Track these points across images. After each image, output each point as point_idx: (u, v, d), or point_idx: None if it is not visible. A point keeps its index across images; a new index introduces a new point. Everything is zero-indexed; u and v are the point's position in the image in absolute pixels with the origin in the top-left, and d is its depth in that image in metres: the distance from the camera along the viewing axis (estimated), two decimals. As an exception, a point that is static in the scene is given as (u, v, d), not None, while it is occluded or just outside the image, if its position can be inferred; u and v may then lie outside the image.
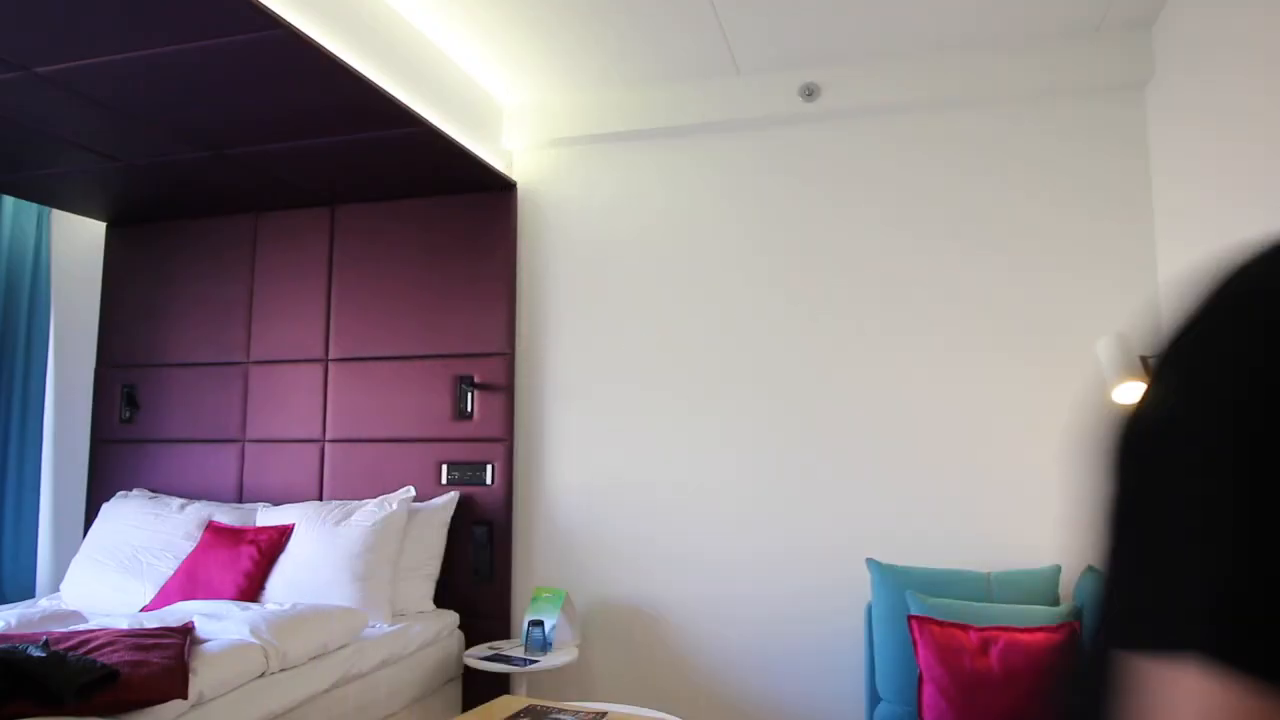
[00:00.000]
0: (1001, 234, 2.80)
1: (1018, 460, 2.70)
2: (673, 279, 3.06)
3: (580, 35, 2.72)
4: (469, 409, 3.12)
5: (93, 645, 2.01)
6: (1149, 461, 0.35)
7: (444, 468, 3.13)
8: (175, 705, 1.90)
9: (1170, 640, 0.32)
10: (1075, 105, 2.76)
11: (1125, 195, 2.70)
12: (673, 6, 2.55)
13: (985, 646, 2.15)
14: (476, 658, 2.72)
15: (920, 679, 2.26)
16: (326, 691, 2.33)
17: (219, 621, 2.32)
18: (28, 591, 3.21)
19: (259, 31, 2.03)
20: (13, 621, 2.45)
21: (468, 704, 2.94)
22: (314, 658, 2.34)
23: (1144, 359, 2.30)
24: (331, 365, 3.31)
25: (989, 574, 2.50)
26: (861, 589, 2.65)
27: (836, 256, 2.95)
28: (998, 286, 2.78)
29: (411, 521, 2.95)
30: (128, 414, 3.50)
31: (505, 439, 3.09)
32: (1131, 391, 2.32)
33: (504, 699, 2.36)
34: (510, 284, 3.16)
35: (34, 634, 2.21)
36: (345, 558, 2.77)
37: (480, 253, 3.19)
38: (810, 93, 2.93)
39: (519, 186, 3.24)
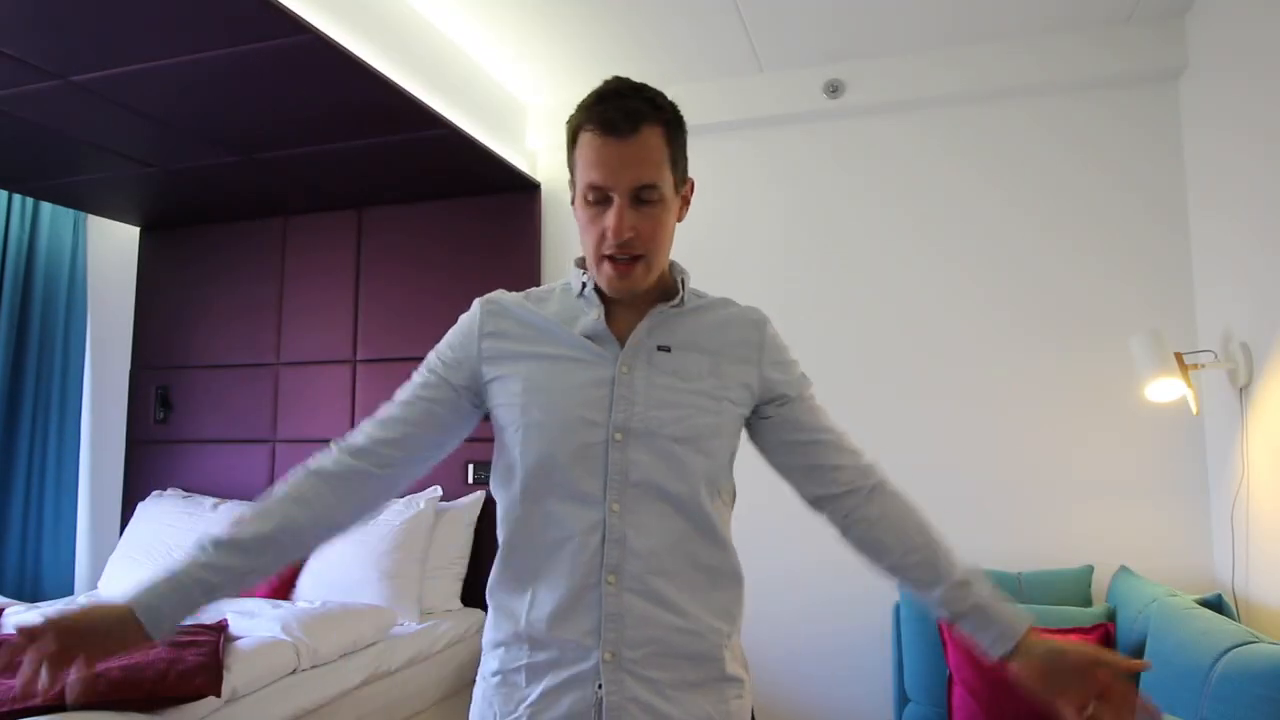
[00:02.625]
0: (1032, 230, 2.75)
1: (1048, 459, 2.66)
2: (696, 276, 3.05)
3: (602, 34, 2.72)
4: (495, 409, 3.13)
5: (129, 642, 2.05)
6: None
7: (470, 467, 3.15)
8: (209, 702, 1.93)
9: None
10: (1107, 97, 2.72)
11: (1158, 189, 2.65)
12: (695, 4, 2.54)
13: (1016, 648, 2.12)
14: (504, 656, 2.73)
15: (950, 680, 2.23)
16: (356, 689, 2.35)
17: (251, 619, 2.35)
18: (66, 589, 3.28)
19: (288, 37, 2.06)
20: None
21: (495, 702, 2.95)
22: (344, 655, 2.37)
23: (1178, 355, 2.26)
24: (359, 366, 3.35)
25: (1020, 574, 2.46)
26: (889, 589, 2.63)
27: (862, 254, 2.92)
28: (1028, 282, 2.74)
29: (439, 521, 2.98)
30: (162, 415, 3.56)
31: (531, 438, 3.10)
32: (1164, 388, 2.28)
33: (531, 697, 2.36)
34: (535, 283, 3.17)
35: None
36: (374, 556, 2.79)
37: (505, 253, 3.21)
38: (835, 89, 2.91)
39: (543, 187, 3.25)
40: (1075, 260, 2.70)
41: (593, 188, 1.03)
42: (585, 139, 1.03)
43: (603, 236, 1.03)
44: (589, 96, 1.06)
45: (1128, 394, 2.52)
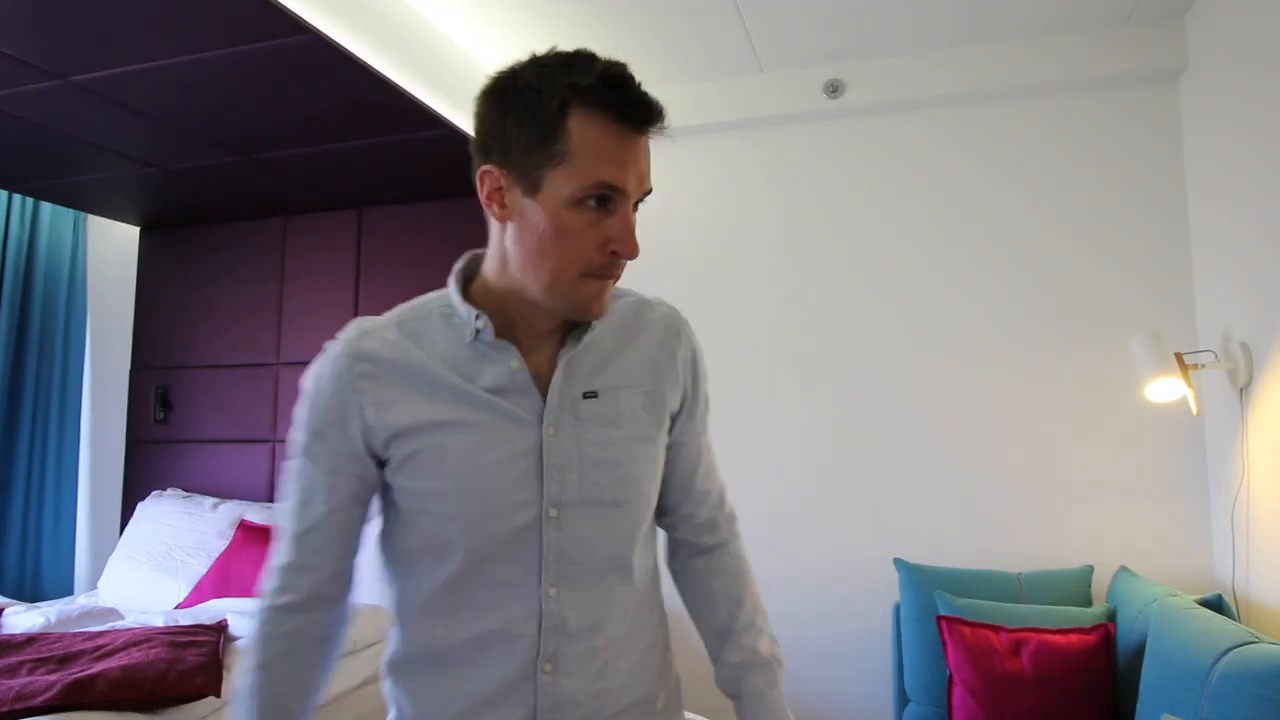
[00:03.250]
0: (1032, 230, 2.76)
1: (1048, 459, 2.66)
2: (695, 277, 3.05)
3: (603, 34, 2.72)
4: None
5: (129, 642, 2.05)
6: None
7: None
8: (209, 702, 1.93)
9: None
10: (1107, 97, 2.72)
11: (1158, 189, 2.65)
12: (695, 4, 2.54)
13: (1017, 648, 2.12)
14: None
15: (950, 680, 2.23)
16: (356, 689, 2.35)
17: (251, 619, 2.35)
18: (66, 589, 3.28)
19: (288, 37, 2.06)
20: (52, 618, 2.50)
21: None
22: (344, 655, 2.36)
23: (1178, 355, 2.26)
24: (359, 366, 3.34)
25: (1019, 574, 2.46)
26: (889, 589, 2.63)
27: (862, 254, 2.92)
28: (1028, 282, 2.74)
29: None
30: (162, 415, 3.56)
31: (531, 439, 3.10)
32: (1164, 388, 2.28)
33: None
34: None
35: (72, 632, 2.26)
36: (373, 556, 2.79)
37: (505, 253, 3.21)
38: (835, 89, 2.91)
39: (543, 187, 3.25)
40: (1075, 260, 2.70)
41: (605, 186, 0.82)
42: (598, 126, 0.82)
43: (601, 247, 0.84)
44: (588, 72, 0.83)
45: (1128, 394, 2.52)
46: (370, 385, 0.89)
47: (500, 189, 0.87)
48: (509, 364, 0.91)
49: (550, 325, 0.93)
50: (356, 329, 0.93)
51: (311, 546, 0.92)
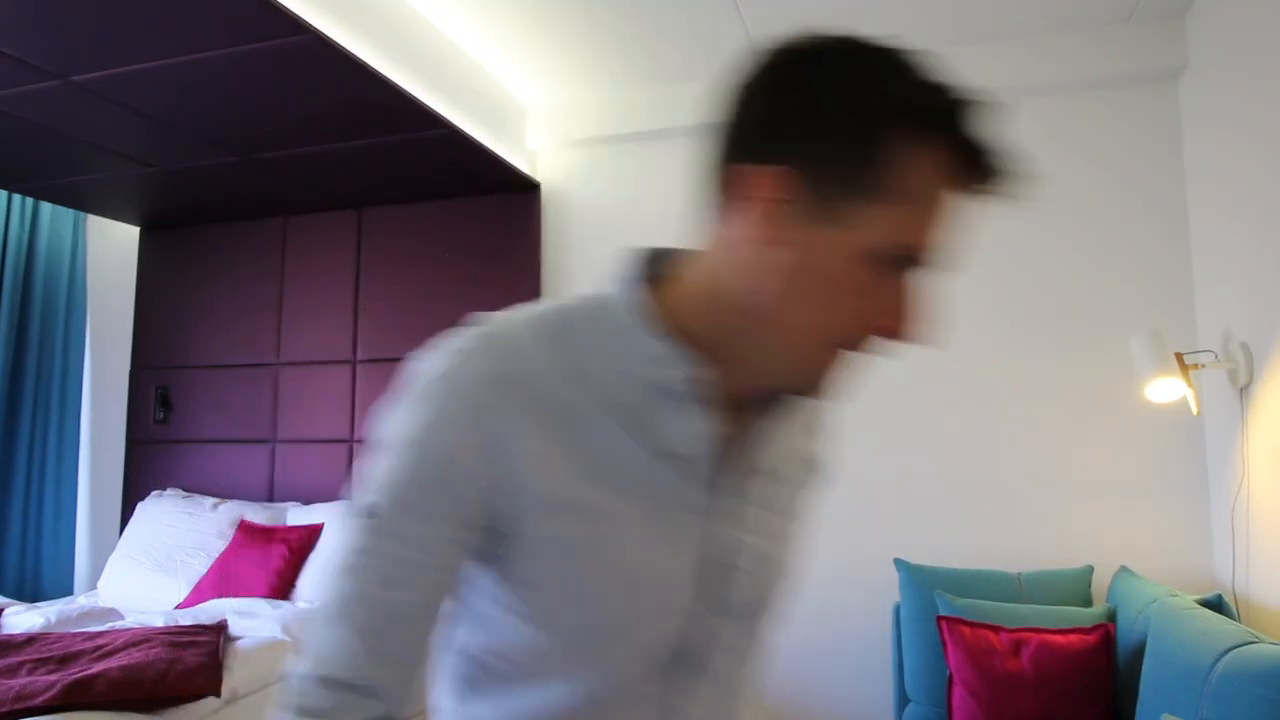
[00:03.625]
0: (1031, 230, 2.75)
1: (1048, 459, 2.66)
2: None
3: (602, 35, 2.72)
4: (495, 409, 3.13)
5: (129, 642, 2.05)
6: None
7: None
8: (209, 702, 1.93)
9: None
10: (1107, 97, 2.71)
11: (1158, 189, 2.65)
12: (695, 4, 2.54)
13: (1017, 648, 2.12)
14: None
15: (950, 680, 2.23)
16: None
17: (251, 619, 2.35)
18: (66, 589, 3.28)
19: (288, 37, 2.06)
20: (52, 618, 2.50)
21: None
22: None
23: (1178, 355, 2.26)
24: (359, 366, 3.35)
25: (1019, 574, 2.46)
26: (889, 589, 2.63)
27: (862, 254, 2.92)
28: (1028, 282, 2.74)
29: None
30: (162, 415, 3.56)
31: (531, 439, 3.10)
32: (1164, 388, 2.27)
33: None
34: (535, 284, 3.17)
35: (73, 632, 2.26)
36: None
37: (505, 253, 3.21)
38: (835, 89, 2.91)
39: (543, 187, 3.25)
40: (1075, 260, 2.70)
41: (915, 249, 0.62)
42: (941, 174, 0.62)
43: (875, 318, 0.63)
44: (935, 93, 0.63)
45: (1128, 394, 2.52)
46: (514, 421, 0.62)
47: (785, 201, 0.60)
48: (696, 426, 0.66)
49: (747, 389, 0.69)
50: (494, 338, 0.65)
51: (391, 652, 0.63)
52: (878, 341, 0.64)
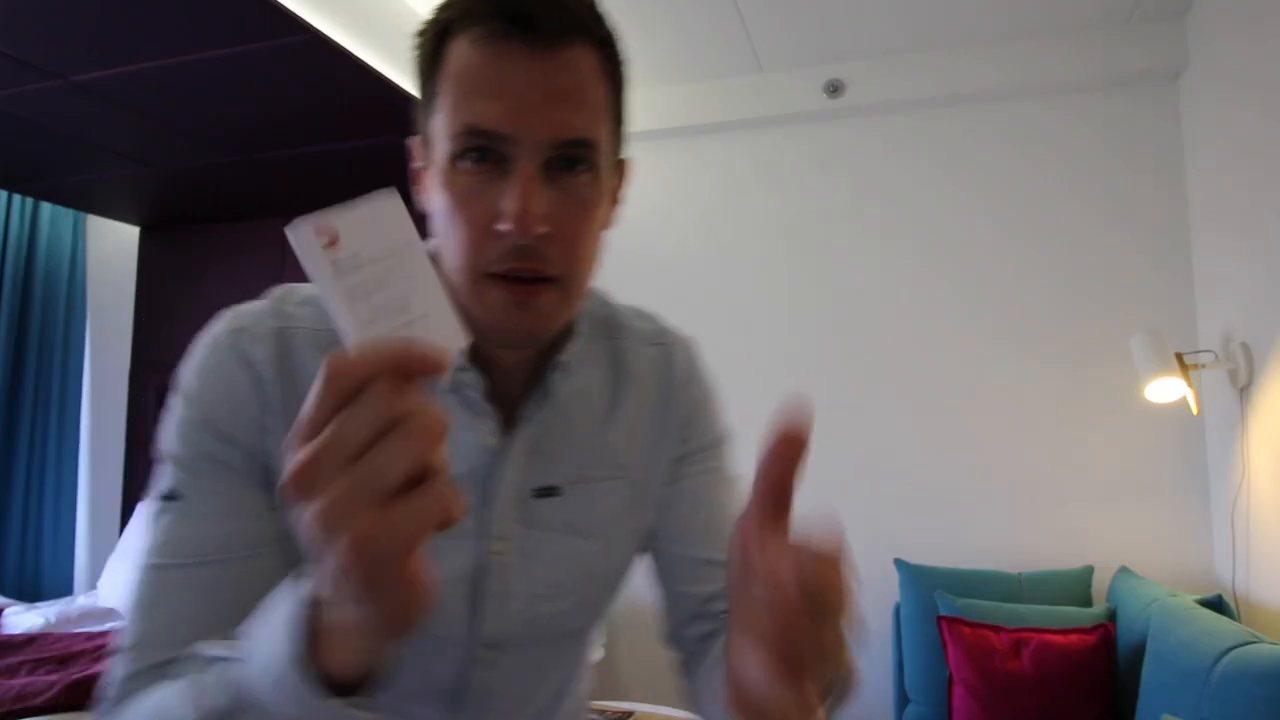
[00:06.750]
0: (1031, 230, 2.75)
1: (1048, 459, 2.66)
2: (697, 276, 3.05)
3: (603, 35, 2.72)
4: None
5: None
6: None
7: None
8: (209, 701, 1.93)
9: None
10: (1106, 98, 2.71)
11: (1159, 189, 2.65)
12: (695, 4, 2.54)
13: (1017, 648, 2.12)
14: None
15: (950, 680, 2.23)
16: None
17: (251, 619, 2.35)
18: (66, 589, 3.28)
19: (288, 37, 2.06)
20: (52, 618, 2.50)
21: (495, 702, 2.95)
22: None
23: (1178, 355, 2.26)
24: (359, 366, 3.34)
25: (1019, 574, 2.46)
26: (889, 589, 2.63)
27: (861, 254, 2.92)
28: (1028, 282, 2.74)
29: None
30: (162, 415, 3.56)
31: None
32: (1164, 388, 2.27)
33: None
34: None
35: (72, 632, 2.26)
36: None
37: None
38: (835, 89, 2.91)
39: (543, 187, 3.25)
40: (1075, 260, 2.70)
41: (475, 132, 0.56)
42: (464, 46, 0.57)
43: (486, 227, 0.56)
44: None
45: (1128, 394, 2.52)
46: (281, 394, 0.61)
47: (420, 166, 0.63)
48: (481, 439, 0.62)
49: (511, 360, 0.64)
50: (270, 312, 0.66)
51: (208, 612, 0.60)
52: (511, 249, 0.56)
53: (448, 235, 0.58)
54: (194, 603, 0.57)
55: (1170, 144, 2.65)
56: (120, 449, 3.61)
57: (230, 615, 0.53)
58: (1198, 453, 2.53)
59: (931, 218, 2.86)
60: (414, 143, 0.63)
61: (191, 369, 0.64)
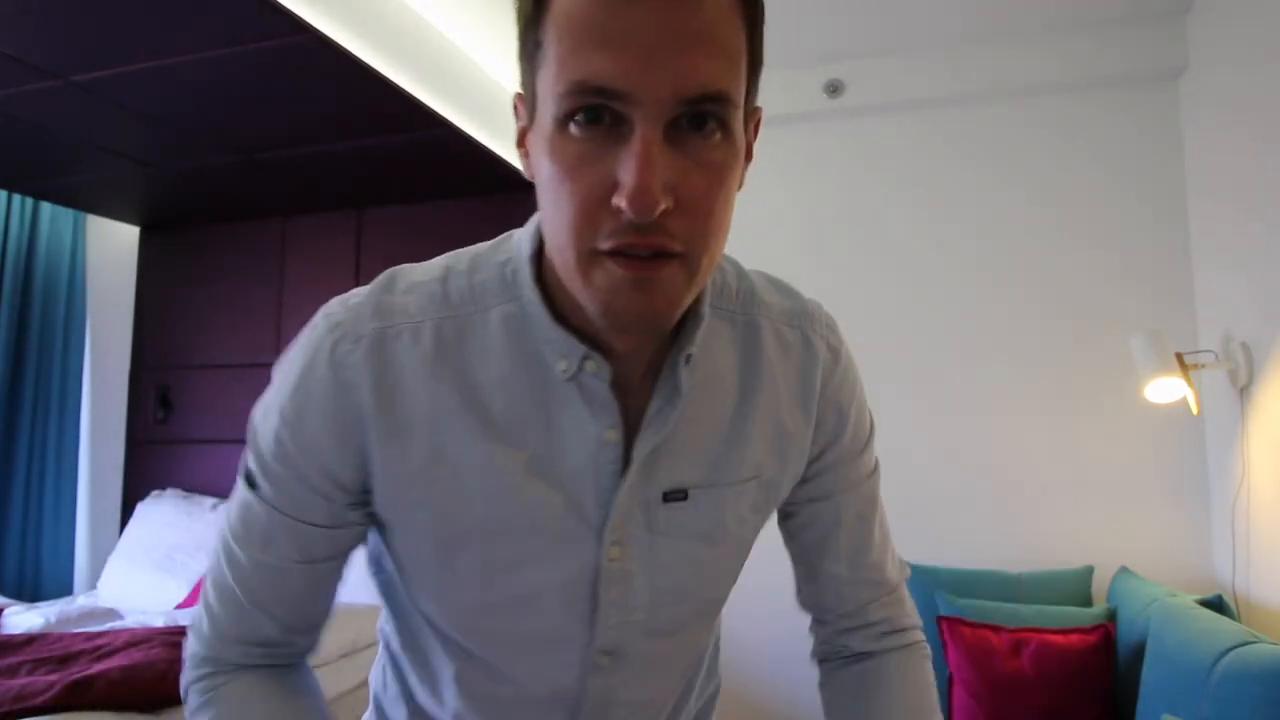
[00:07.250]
0: (1032, 229, 2.75)
1: (1048, 459, 2.66)
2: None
3: (603, 35, 2.72)
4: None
5: (129, 642, 2.05)
6: None
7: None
8: (209, 701, 1.93)
9: None
10: (1107, 97, 2.71)
11: (1158, 188, 2.65)
12: (696, 5, 2.54)
13: (1017, 648, 2.12)
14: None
15: (950, 681, 2.23)
16: (355, 689, 2.35)
17: (251, 619, 2.35)
18: (65, 589, 3.28)
19: (288, 37, 2.06)
20: (52, 618, 2.50)
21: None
22: (343, 655, 2.36)
23: (1178, 355, 2.26)
24: (359, 366, 3.34)
25: (1019, 574, 2.46)
26: (889, 589, 2.63)
27: (861, 254, 2.92)
28: (1028, 282, 2.74)
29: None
30: (161, 415, 3.56)
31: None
32: (1164, 388, 2.27)
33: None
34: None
35: (72, 632, 2.26)
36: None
37: (505, 253, 3.20)
38: (835, 89, 2.91)
39: (543, 187, 3.25)
40: (1075, 259, 2.70)
41: (587, 90, 0.48)
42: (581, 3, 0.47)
43: (600, 201, 0.49)
44: None
45: (1128, 394, 2.52)
46: (385, 405, 0.58)
47: (524, 125, 0.55)
48: (600, 433, 0.58)
49: (631, 345, 0.58)
50: (374, 312, 0.62)
51: (280, 614, 0.73)
52: (627, 225, 0.48)
53: (553, 210, 0.50)
54: (265, 590, 0.66)
55: (1170, 144, 2.65)
56: (120, 449, 3.61)
57: (289, 604, 0.66)
58: (1198, 453, 2.53)
59: (928, 219, 2.86)
60: (516, 99, 0.55)
61: (290, 381, 0.61)
